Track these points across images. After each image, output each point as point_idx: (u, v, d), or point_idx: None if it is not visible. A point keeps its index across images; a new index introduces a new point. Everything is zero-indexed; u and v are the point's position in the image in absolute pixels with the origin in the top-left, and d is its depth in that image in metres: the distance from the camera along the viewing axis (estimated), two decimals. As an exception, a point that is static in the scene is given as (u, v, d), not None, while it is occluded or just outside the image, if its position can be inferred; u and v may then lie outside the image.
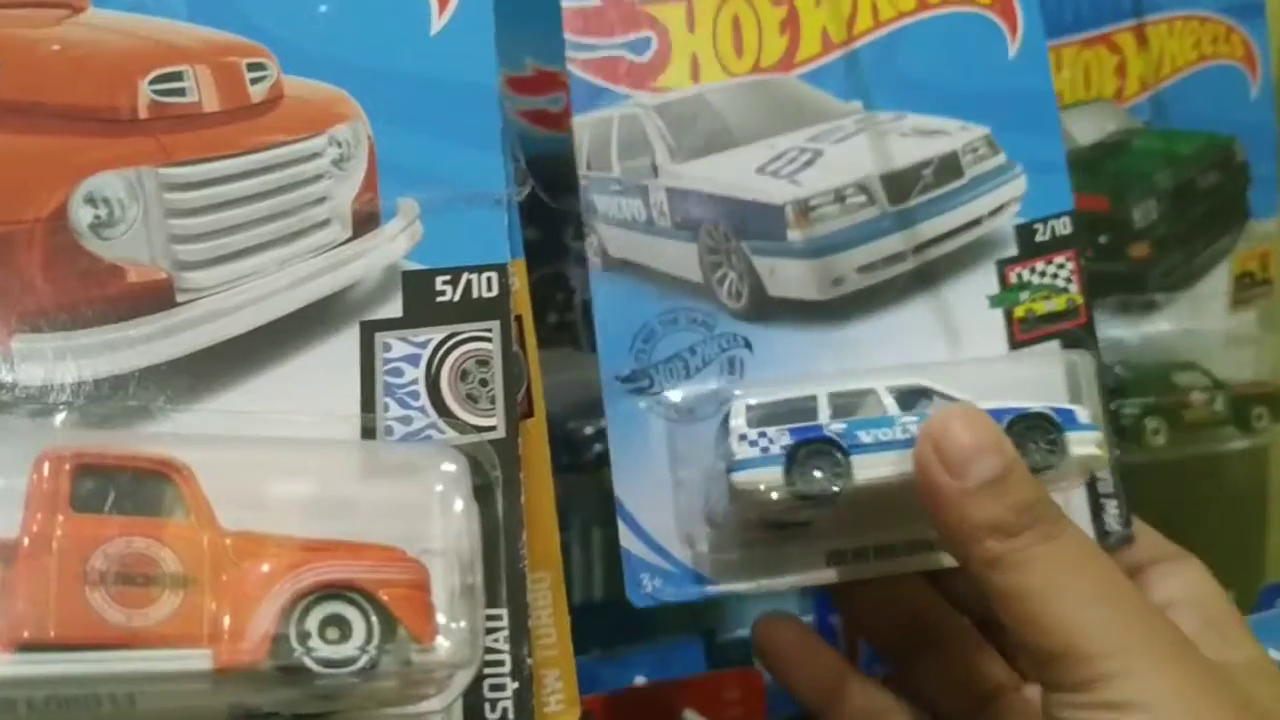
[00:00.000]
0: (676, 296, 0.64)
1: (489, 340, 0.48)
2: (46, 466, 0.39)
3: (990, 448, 0.51)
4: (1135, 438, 0.92)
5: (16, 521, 0.38)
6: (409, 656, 0.40)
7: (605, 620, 1.04)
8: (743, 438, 0.59)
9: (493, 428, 0.47)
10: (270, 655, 0.38)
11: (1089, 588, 0.50)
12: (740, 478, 0.57)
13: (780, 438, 0.58)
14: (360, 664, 0.39)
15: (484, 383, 0.48)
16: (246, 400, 0.46)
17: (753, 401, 0.60)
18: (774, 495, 0.57)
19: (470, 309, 0.48)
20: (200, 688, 0.39)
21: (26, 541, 0.38)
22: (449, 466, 0.43)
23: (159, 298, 0.46)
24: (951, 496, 0.51)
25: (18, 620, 0.37)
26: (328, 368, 0.47)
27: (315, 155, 0.48)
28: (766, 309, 0.66)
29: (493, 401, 0.47)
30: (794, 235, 0.66)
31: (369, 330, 0.48)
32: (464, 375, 0.48)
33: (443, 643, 0.40)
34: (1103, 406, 0.64)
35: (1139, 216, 0.97)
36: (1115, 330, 0.96)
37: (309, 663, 0.39)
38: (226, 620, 0.39)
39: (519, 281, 0.53)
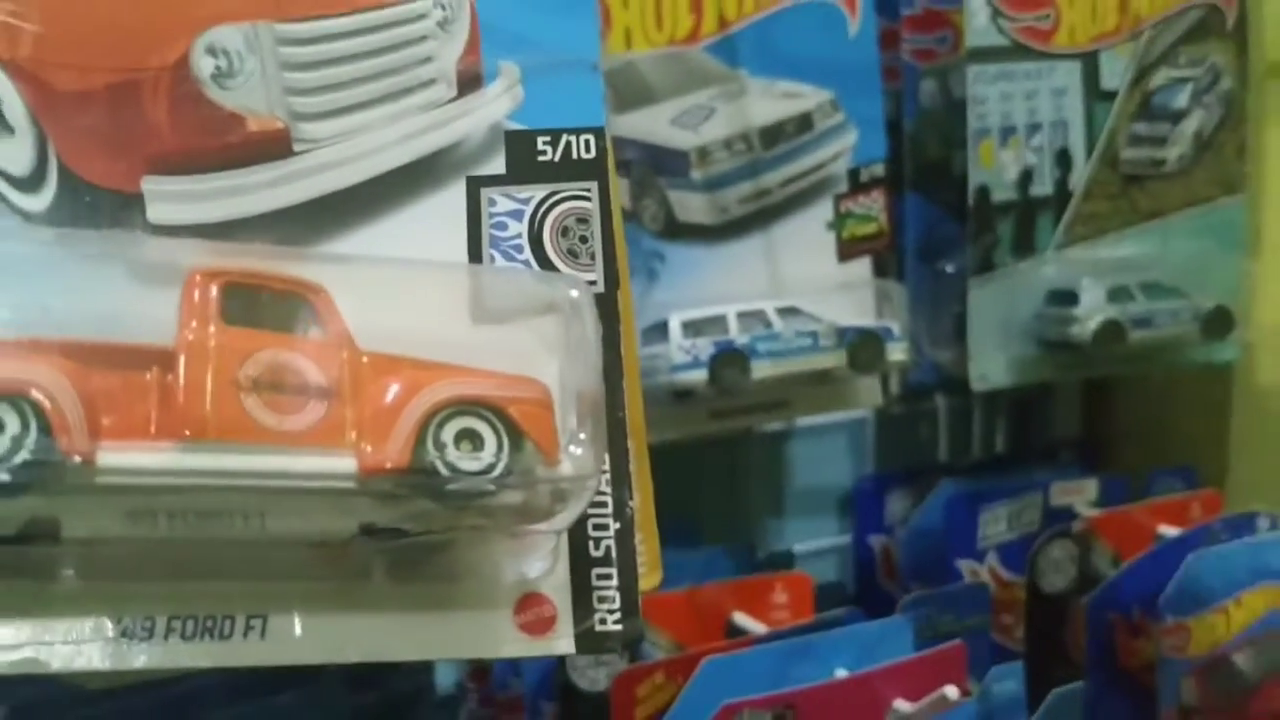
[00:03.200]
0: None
1: (588, 199, 0.49)
2: (199, 282, 0.41)
3: None
4: None
5: (161, 333, 0.40)
6: (535, 470, 0.42)
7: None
8: (679, 347, 0.83)
9: (594, 282, 0.49)
10: (411, 461, 0.40)
11: None
12: (677, 377, 0.83)
13: (706, 348, 0.83)
14: (494, 472, 0.41)
15: (584, 239, 0.49)
16: (359, 249, 0.47)
17: (685, 318, 0.84)
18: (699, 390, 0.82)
19: (570, 169, 0.50)
20: (336, 498, 0.40)
21: (184, 349, 0.40)
22: (574, 293, 0.45)
23: (277, 146, 0.47)
24: None
25: (180, 418, 0.39)
26: (436, 219, 0.49)
27: (421, 16, 0.50)
28: (675, 230, 0.88)
29: (593, 257, 0.49)
30: (695, 174, 0.88)
31: (475, 185, 0.49)
32: (565, 231, 0.49)
33: (571, 454, 0.42)
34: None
35: None
36: None
37: (445, 469, 0.40)
38: (367, 430, 0.41)
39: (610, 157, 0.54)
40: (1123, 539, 1.03)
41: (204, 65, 0.47)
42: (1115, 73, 1.03)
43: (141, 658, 0.41)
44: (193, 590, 0.42)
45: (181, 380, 0.39)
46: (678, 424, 0.92)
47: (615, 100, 0.93)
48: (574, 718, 0.88)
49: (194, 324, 0.40)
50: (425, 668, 0.91)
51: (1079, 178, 1.02)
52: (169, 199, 0.46)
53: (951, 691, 0.77)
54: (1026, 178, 1.02)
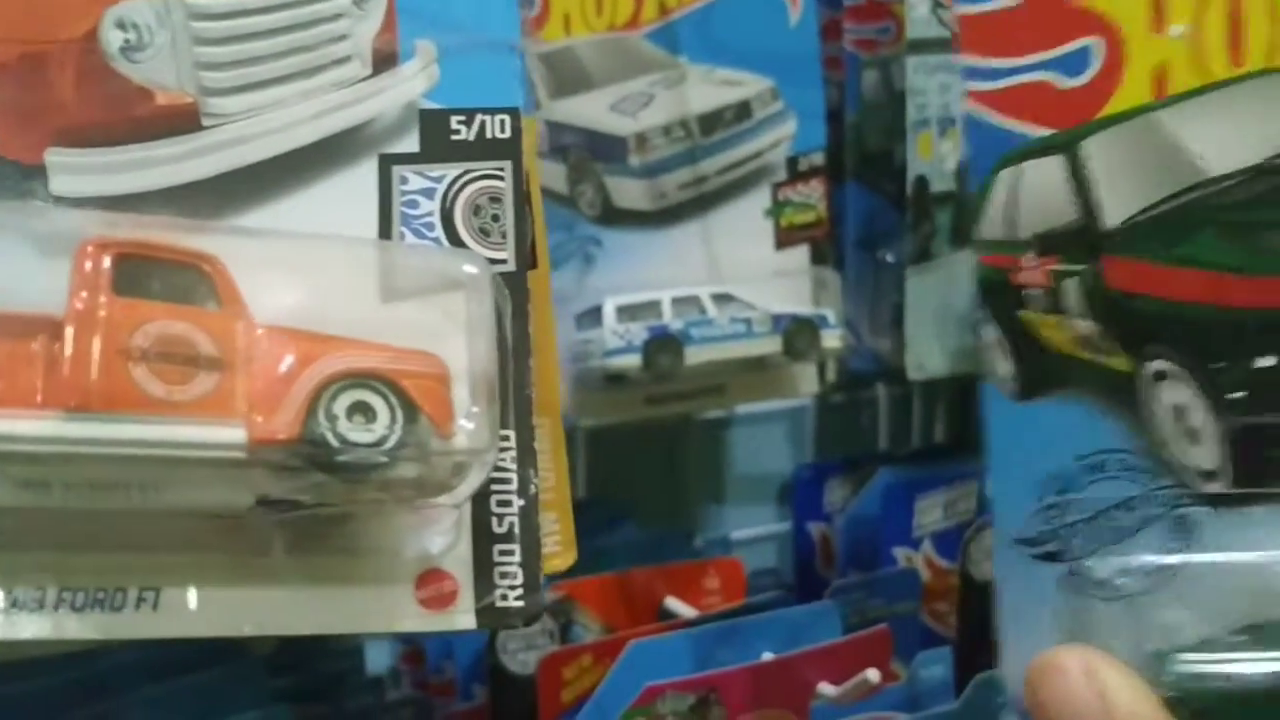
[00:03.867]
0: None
1: (501, 179, 0.50)
2: (90, 252, 0.41)
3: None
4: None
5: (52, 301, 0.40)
6: (429, 443, 0.42)
7: (586, 517, 1.06)
8: (612, 332, 0.83)
9: (504, 260, 0.49)
10: (301, 432, 0.40)
11: None
12: (611, 362, 0.83)
13: (639, 333, 0.83)
14: (386, 445, 0.41)
15: (496, 218, 0.49)
16: (267, 225, 0.48)
17: (619, 302, 0.84)
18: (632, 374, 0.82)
19: (484, 148, 0.50)
20: (229, 470, 0.40)
21: (73, 318, 0.40)
22: (471, 269, 0.45)
23: (186, 121, 0.47)
24: None
25: (66, 388, 0.39)
26: (347, 196, 0.49)
27: (336, -7, 0.50)
28: (613, 216, 0.88)
29: (504, 236, 0.49)
30: (633, 160, 0.87)
31: (387, 163, 0.49)
32: (477, 210, 0.49)
33: (464, 428, 0.42)
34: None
35: None
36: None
37: (336, 441, 0.41)
38: (259, 401, 0.41)
39: (527, 139, 0.55)
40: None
41: (113, 38, 0.47)
42: (1054, 66, 1.03)
43: (30, 629, 0.41)
44: (85, 562, 0.42)
45: (68, 350, 0.39)
46: (613, 409, 0.93)
47: (554, 85, 0.94)
48: (504, 700, 0.89)
49: (84, 294, 0.40)
50: (354, 650, 0.91)
51: (1017, 170, 1.03)
52: (72, 171, 0.46)
53: (873, 674, 0.77)
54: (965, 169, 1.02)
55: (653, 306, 0.89)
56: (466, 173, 0.50)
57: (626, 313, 0.89)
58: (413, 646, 1.01)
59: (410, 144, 0.50)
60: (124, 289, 0.41)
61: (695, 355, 0.89)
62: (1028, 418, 0.44)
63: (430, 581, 0.46)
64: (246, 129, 0.48)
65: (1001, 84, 0.43)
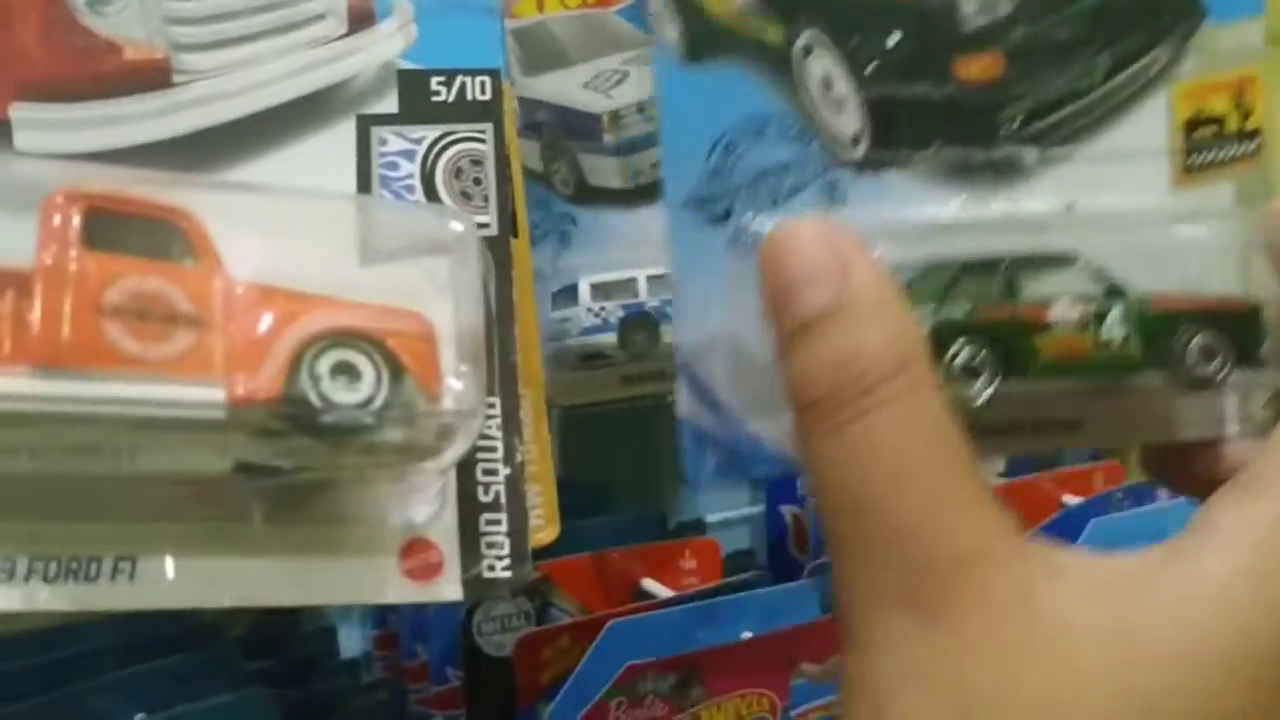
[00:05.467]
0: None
1: (483, 141, 0.49)
2: (59, 205, 0.39)
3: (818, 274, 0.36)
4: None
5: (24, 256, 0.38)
6: (416, 404, 0.40)
7: (562, 498, 1.05)
8: (588, 310, 0.82)
9: (487, 225, 0.48)
10: (284, 392, 0.39)
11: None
12: (587, 340, 0.82)
13: (615, 311, 0.82)
14: (372, 405, 0.40)
15: (477, 181, 0.48)
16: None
17: (595, 280, 0.83)
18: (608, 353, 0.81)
19: (465, 110, 0.49)
20: (208, 433, 0.39)
21: (41, 273, 0.38)
22: (457, 226, 0.43)
23: (156, 77, 0.46)
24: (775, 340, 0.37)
25: (36, 344, 0.37)
26: (324, 156, 0.47)
27: (311, -51, 0.48)
28: (587, 194, 0.87)
29: (486, 200, 0.48)
30: (607, 138, 0.87)
31: (365, 124, 0.48)
32: (458, 173, 0.48)
33: (452, 387, 0.41)
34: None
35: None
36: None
37: (319, 401, 0.39)
38: (238, 360, 0.39)
39: (507, 103, 0.54)
40: (1029, 507, 1.05)
41: (80, -10, 0.45)
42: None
43: (0, 601, 0.40)
44: (57, 531, 0.41)
45: (38, 305, 0.37)
46: (589, 389, 0.92)
47: (527, 62, 0.92)
48: (480, 683, 0.87)
49: (53, 248, 0.38)
50: (328, 633, 0.90)
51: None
52: (38, 127, 0.44)
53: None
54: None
55: (628, 285, 0.88)
56: (447, 134, 0.49)
57: (602, 291, 0.87)
58: (385, 630, 1.00)
59: (389, 104, 0.49)
60: (95, 243, 0.39)
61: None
62: (694, 82, 0.46)
63: (415, 552, 0.45)
64: (219, 86, 0.47)
65: None
